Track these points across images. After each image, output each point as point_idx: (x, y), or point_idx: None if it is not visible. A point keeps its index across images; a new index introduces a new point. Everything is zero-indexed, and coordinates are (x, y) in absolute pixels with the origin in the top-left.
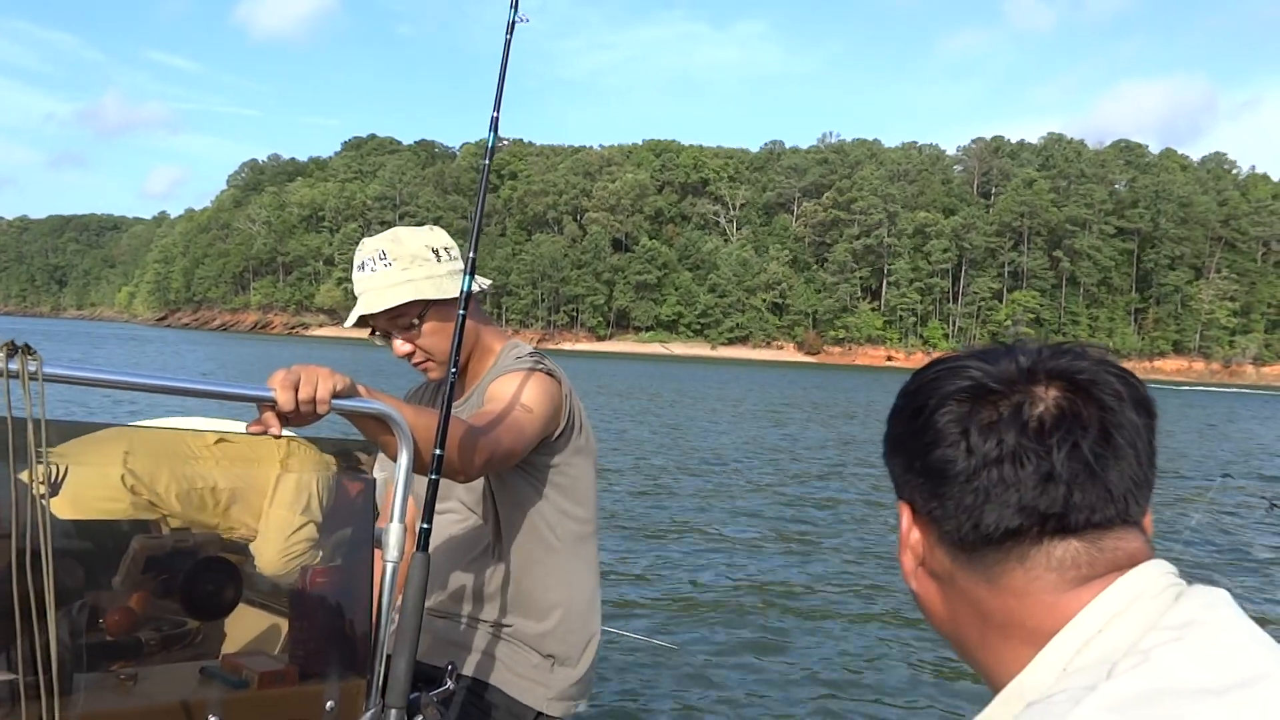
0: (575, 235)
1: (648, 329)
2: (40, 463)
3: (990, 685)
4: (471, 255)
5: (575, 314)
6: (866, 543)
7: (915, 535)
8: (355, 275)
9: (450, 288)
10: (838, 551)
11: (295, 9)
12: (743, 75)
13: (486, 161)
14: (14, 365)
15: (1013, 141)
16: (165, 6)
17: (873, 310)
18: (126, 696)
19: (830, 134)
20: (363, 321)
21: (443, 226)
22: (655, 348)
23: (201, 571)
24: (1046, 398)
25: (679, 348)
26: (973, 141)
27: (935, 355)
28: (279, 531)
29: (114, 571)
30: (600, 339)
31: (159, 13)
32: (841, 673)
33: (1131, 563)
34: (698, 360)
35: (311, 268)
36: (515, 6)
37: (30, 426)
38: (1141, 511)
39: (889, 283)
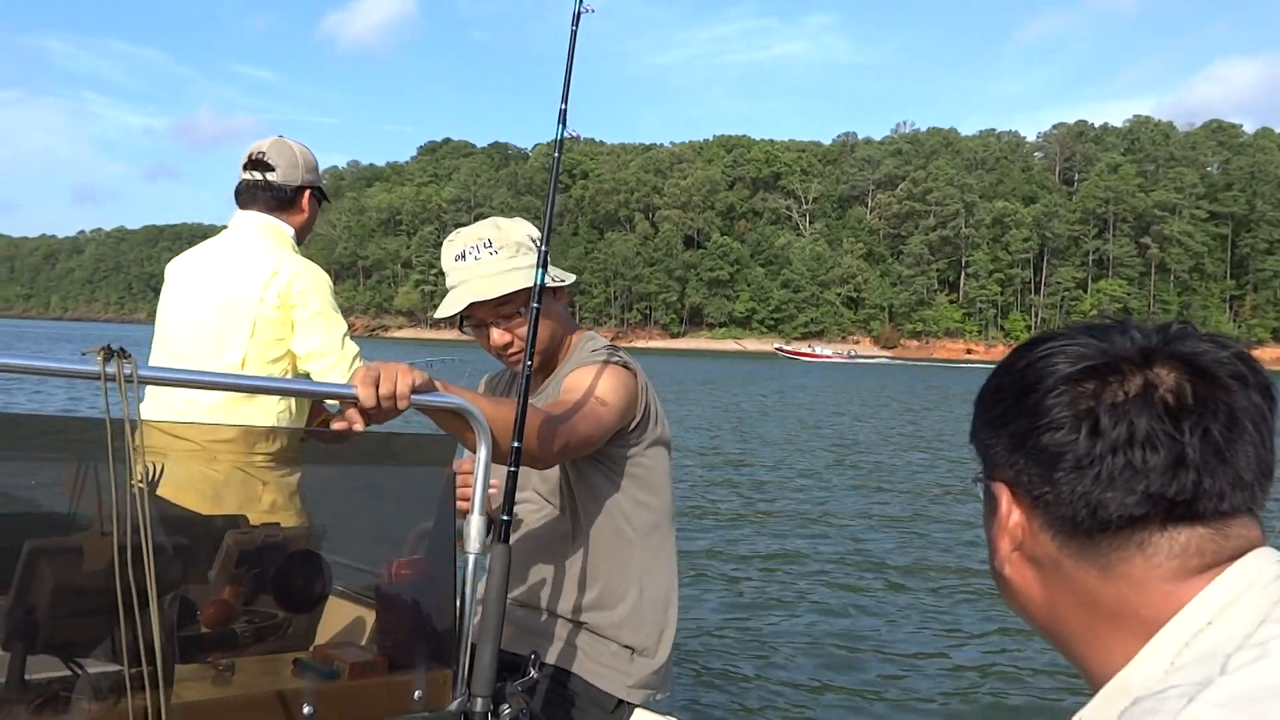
0: (647, 233)
1: (721, 325)
2: (137, 461)
3: (1090, 679)
4: (544, 248)
5: (648, 311)
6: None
7: (1015, 518)
8: (453, 265)
9: (553, 276)
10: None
11: (377, 18)
12: (813, 68)
13: (557, 154)
14: (110, 369)
15: (1096, 126)
16: (252, 22)
17: (951, 303)
18: (225, 687)
19: (904, 124)
20: (461, 312)
21: None
22: (729, 344)
23: (292, 565)
24: (1169, 380)
25: (753, 344)
26: (1054, 127)
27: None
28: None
29: (209, 566)
30: (673, 336)
31: (246, 28)
32: (930, 674)
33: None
34: (772, 356)
35: (390, 270)
36: None
37: (127, 426)
38: (1265, 499)
39: (967, 274)
